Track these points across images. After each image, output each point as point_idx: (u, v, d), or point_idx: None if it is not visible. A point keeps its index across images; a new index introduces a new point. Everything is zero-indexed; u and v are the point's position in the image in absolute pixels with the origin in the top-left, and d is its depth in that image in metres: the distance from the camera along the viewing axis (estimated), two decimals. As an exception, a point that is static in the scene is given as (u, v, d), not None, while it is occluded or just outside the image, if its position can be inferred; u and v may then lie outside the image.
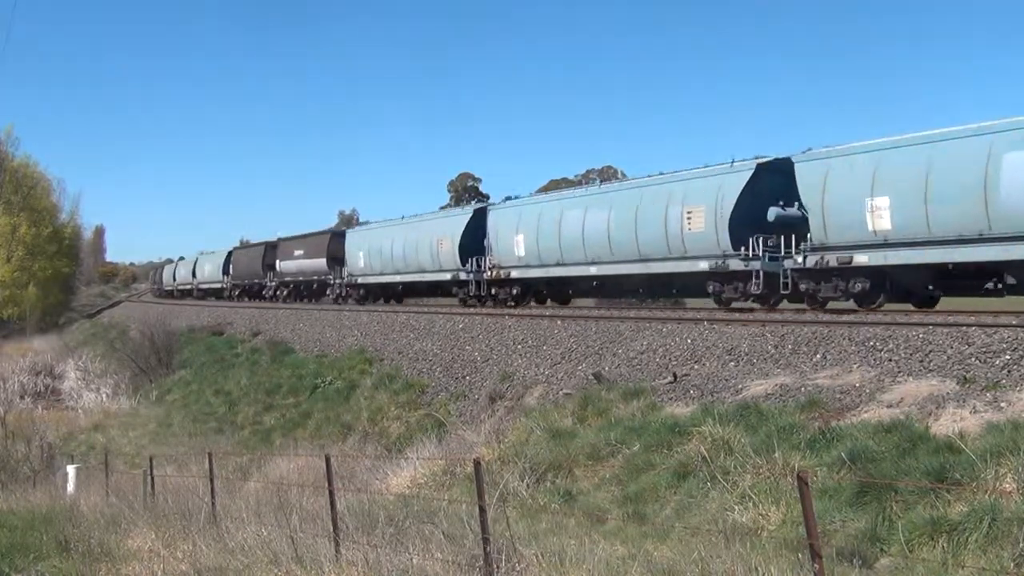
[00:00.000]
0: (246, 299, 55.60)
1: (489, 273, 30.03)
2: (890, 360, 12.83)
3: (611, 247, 24.63)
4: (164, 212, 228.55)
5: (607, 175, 71.49)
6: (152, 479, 14.01)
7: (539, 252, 27.62)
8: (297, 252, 47.27)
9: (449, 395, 19.98)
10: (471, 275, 30.95)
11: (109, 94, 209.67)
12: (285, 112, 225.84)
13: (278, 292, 50.70)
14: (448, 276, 32.59)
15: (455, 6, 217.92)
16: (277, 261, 50.38)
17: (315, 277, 44.86)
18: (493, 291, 30.41)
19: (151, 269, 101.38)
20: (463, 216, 33.09)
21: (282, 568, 7.82)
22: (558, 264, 26.95)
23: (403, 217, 39.13)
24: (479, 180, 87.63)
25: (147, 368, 36.89)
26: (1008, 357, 11.58)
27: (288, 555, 7.94)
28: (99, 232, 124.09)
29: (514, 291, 29.35)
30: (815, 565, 5.24)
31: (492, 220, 30.59)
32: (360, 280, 40.27)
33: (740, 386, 13.42)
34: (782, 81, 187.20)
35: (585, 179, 70.66)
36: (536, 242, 27.70)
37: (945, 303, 19.41)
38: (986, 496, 7.74)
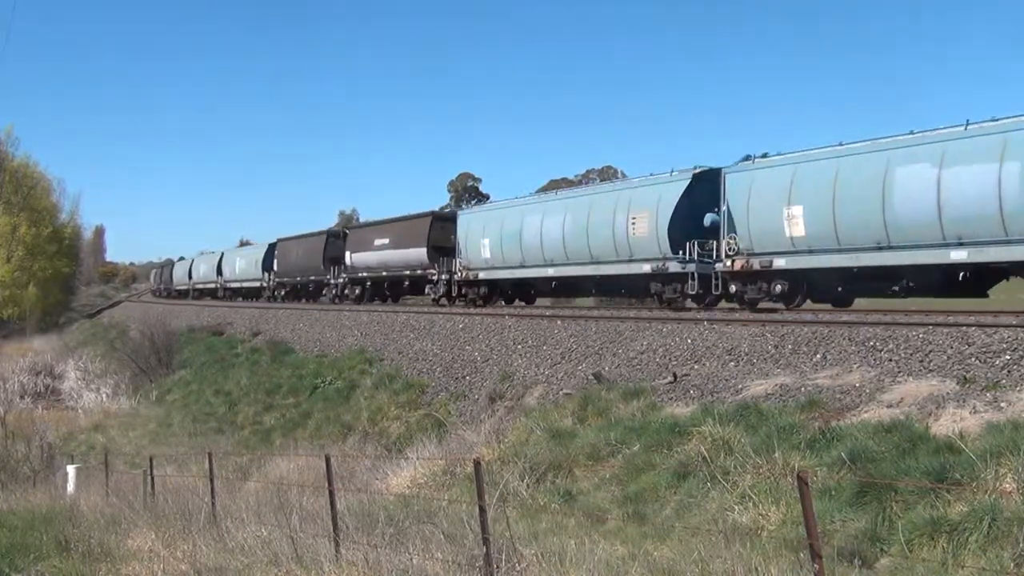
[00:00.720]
0: (293, 300, 47.46)
1: (727, 263, 21.47)
2: (890, 360, 12.83)
3: (1003, 217, 15.93)
4: (164, 212, 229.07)
5: (607, 175, 71.32)
6: (152, 479, 14.00)
7: (836, 231, 18.90)
8: (379, 241, 38.47)
9: (449, 395, 19.98)
10: (689, 266, 22.51)
11: (109, 94, 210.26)
12: (285, 112, 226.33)
13: (347, 292, 41.69)
14: (647, 268, 23.86)
15: (455, 6, 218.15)
16: (347, 253, 41.10)
17: (406, 272, 36.30)
18: (733, 288, 21.91)
19: (154, 268, 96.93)
20: (674, 184, 23.49)
21: (282, 568, 7.81)
22: (879, 248, 18.16)
23: (556, 191, 29.57)
24: (479, 180, 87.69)
25: (147, 368, 36.88)
26: (1008, 357, 11.58)
27: (288, 555, 7.94)
28: (99, 232, 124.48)
29: (777, 287, 20.73)
30: (815, 565, 5.23)
31: (734, 187, 21.50)
32: (483, 275, 30.99)
33: (740, 386, 13.42)
34: (782, 81, 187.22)
35: (585, 179, 70.48)
36: (831, 216, 18.89)
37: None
38: (986, 496, 7.73)
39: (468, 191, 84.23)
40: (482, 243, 30.55)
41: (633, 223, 24.01)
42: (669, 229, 22.84)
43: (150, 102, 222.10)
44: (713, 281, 22.03)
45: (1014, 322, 13.76)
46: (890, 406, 10.90)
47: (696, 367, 15.41)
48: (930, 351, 12.70)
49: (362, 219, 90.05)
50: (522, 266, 28.86)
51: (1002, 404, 10.00)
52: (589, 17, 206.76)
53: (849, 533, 8.21)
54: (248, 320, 41.64)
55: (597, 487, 11.34)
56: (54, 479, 18.43)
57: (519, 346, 20.86)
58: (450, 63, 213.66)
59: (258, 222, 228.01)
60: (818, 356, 14.05)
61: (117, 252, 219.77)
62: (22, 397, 36.53)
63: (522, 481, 11.49)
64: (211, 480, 11.41)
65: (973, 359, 11.91)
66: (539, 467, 11.85)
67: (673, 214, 22.83)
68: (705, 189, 22.64)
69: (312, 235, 48.34)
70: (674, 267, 22.94)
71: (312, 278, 45.82)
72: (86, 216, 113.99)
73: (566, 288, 29.40)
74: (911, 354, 12.81)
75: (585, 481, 11.63)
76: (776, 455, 9.89)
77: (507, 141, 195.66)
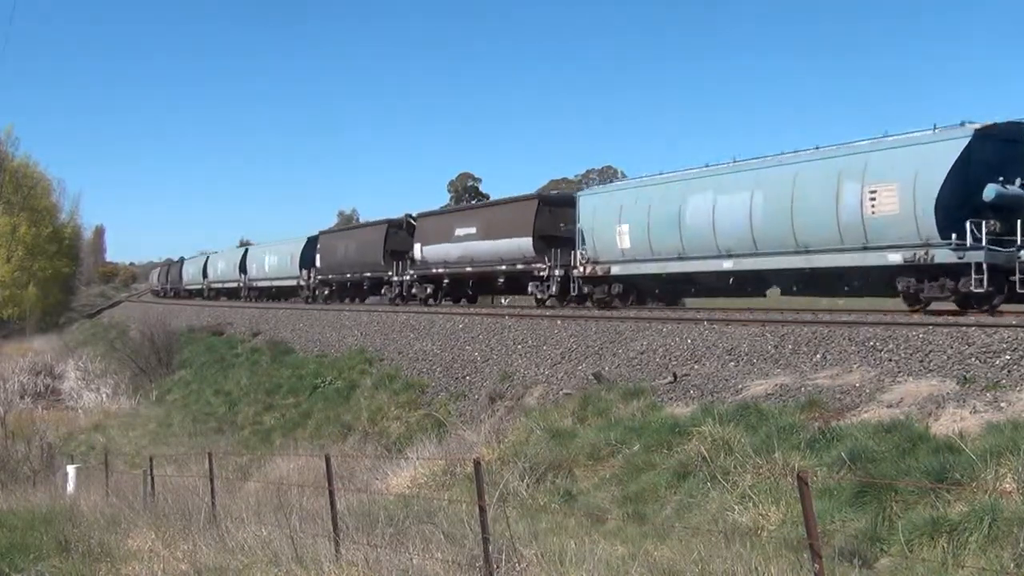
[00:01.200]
0: (337, 301, 41.75)
1: None
2: (890, 360, 12.83)
3: None
4: (164, 212, 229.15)
5: (607, 175, 71.42)
6: (152, 479, 14.01)
7: None
8: (462, 231, 32.38)
9: (449, 395, 19.98)
10: (972, 255, 16.46)
11: (109, 94, 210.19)
12: (285, 112, 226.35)
13: (415, 291, 35.43)
14: (894, 258, 17.72)
15: (455, 6, 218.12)
16: (416, 246, 35.02)
17: (502, 267, 30.22)
18: None
19: (156, 266, 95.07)
20: (943, 143, 17.24)
21: (282, 568, 7.82)
22: None
23: (733, 160, 22.23)
24: (479, 180, 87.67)
25: (147, 368, 36.88)
26: (1008, 357, 11.59)
27: (288, 555, 7.94)
28: (99, 232, 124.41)
29: None
30: (815, 565, 5.23)
31: None
32: (617, 270, 25.09)
33: (740, 386, 13.42)
34: (782, 81, 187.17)
35: (585, 179, 70.64)
36: None
37: None
38: (986, 496, 7.73)
39: (468, 191, 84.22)
40: (618, 230, 24.61)
41: (872, 198, 17.95)
42: (937, 206, 16.83)
43: (150, 102, 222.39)
44: (1019, 275, 16.16)
45: (1014, 322, 13.77)
46: (890, 406, 10.90)
47: (696, 367, 15.41)
48: (930, 351, 12.71)
49: (362, 219, 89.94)
50: (680, 258, 22.86)
51: (1002, 404, 10.00)
52: (589, 17, 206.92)
53: (849, 533, 8.22)
54: (248, 320, 41.64)
55: (597, 487, 11.35)
56: (54, 479, 18.45)
57: (519, 346, 20.86)
58: (450, 63, 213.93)
59: (258, 222, 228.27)
60: (818, 356, 14.05)
61: (117, 252, 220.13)
62: (22, 397, 36.57)
63: (522, 481, 11.49)
64: (211, 480, 11.42)
65: (973, 359, 11.91)
66: (539, 467, 11.85)
67: (943, 185, 16.78)
68: (988, 151, 16.99)
69: (369, 225, 43.14)
70: (943, 256, 16.93)
71: (368, 275, 39.55)
72: (86, 216, 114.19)
73: (746, 284, 22.63)
74: (911, 354, 12.82)
75: (585, 481, 11.64)
76: (776, 455, 9.90)
77: (507, 141, 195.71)
